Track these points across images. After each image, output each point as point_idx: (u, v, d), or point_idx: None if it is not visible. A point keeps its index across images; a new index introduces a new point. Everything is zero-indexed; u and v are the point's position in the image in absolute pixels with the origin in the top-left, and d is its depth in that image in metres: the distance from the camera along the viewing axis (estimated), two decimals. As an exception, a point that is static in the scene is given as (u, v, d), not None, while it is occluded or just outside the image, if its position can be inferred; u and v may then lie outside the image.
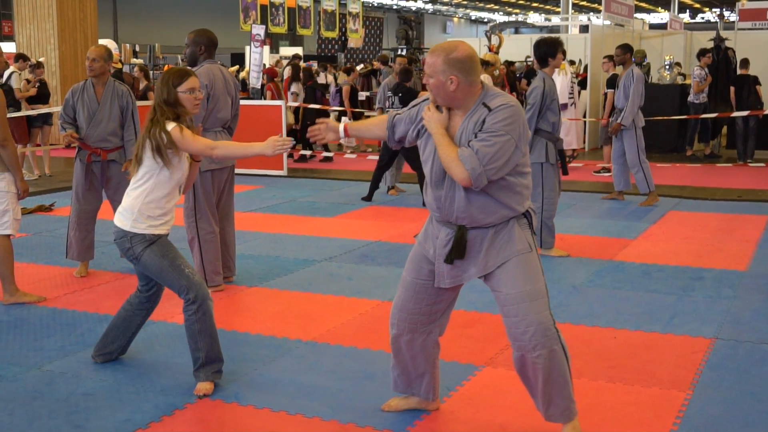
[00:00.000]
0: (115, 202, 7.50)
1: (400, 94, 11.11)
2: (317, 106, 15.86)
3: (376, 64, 19.68)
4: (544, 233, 8.10)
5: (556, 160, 7.95)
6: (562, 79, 14.50)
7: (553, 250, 8.16)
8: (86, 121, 7.33)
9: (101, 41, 18.74)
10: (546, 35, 8.40)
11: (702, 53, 15.80)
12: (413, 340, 4.35)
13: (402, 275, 4.36)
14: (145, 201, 4.80)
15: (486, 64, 15.13)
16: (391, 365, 4.56)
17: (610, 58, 15.52)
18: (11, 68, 14.19)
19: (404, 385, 4.55)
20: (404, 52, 29.80)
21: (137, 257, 4.85)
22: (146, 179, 4.80)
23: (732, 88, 15.43)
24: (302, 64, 23.37)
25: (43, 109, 14.33)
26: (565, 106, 14.34)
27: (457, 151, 3.85)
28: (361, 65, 24.74)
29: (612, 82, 14.56)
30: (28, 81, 14.39)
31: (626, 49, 11.22)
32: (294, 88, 16.91)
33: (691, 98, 15.69)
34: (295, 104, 16.39)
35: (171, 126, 4.72)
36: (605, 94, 15.01)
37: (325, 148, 16.27)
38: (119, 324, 5.26)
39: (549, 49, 7.94)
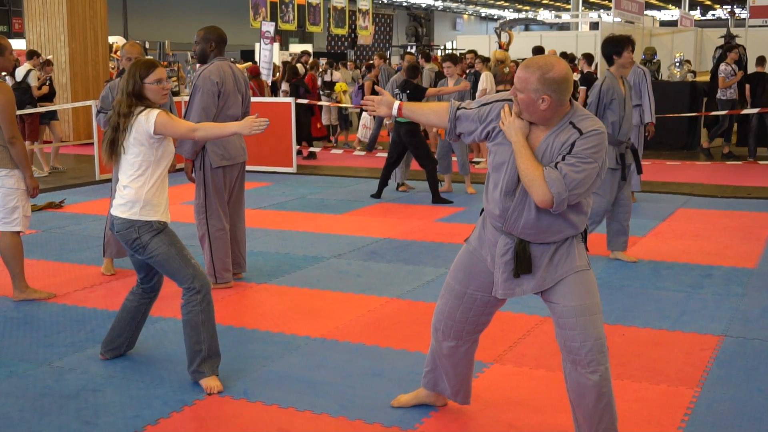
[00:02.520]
0: None
1: (408, 91, 11.11)
2: (304, 101, 15.85)
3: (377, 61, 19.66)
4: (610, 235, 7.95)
5: (617, 163, 7.59)
6: None
7: (620, 254, 7.97)
8: None
9: (111, 38, 18.82)
10: (615, 34, 8.18)
11: (729, 49, 15.61)
12: (458, 347, 4.30)
13: (447, 281, 4.24)
14: (150, 189, 4.85)
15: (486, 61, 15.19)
16: (426, 364, 4.52)
17: (587, 57, 15.63)
18: (27, 66, 14.23)
19: (434, 384, 4.53)
20: (414, 49, 29.81)
21: (144, 246, 4.86)
22: (144, 168, 4.84)
23: (747, 86, 15.36)
24: (311, 60, 23.40)
25: (52, 107, 14.39)
26: None
27: (543, 171, 3.68)
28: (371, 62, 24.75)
29: (585, 81, 14.75)
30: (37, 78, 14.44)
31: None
32: (284, 86, 17.08)
33: (718, 95, 15.52)
34: (285, 100, 16.48)
35: (156, 112, 4.78)
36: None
37: (309, 143, 16.22)
38: (124, 317, 5.30)
39: (615, 48, 7.66)
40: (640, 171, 8.00)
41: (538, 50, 16.82)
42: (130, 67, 4.87)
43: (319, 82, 18.52)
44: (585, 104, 14.61)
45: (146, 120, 4.76)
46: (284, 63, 18.55)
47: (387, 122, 12.57)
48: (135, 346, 5.56)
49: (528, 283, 3.93)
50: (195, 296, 4.87)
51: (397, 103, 4.27)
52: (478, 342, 4.39)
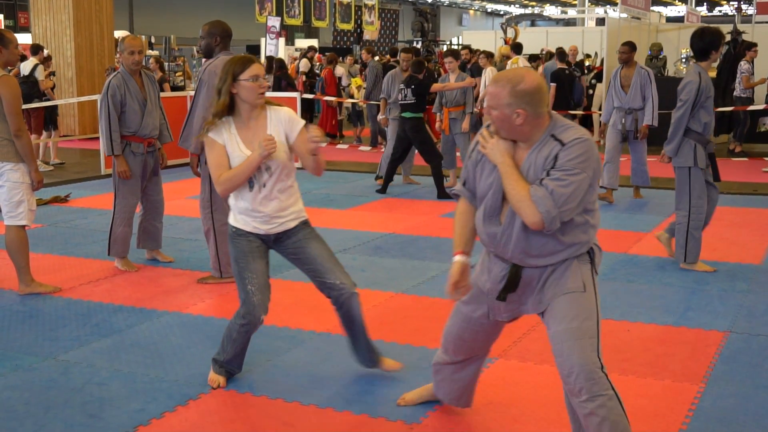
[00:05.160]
0: (149, 191, 7.54)
1: (413, 86, 11.10)
2: (286, 94, 15.84)
3: (366, 56, 19.63)
4: (690, 245, 7.35)
5: (706, 164, 7.30)
6: None
7: (697, 265, 7.42)
8: (139, 112, 7.27)
9: (117, 33, 18.80)
10: (704, 25, 7.89)
11: (748, 47, 15.49)
12: (467, 363, 4.27)
13: (456, 303, 4.10)
14: (234, 193, 4.72)
15: (490, 56, 15.18)
16: (434, 375, 4.43)
17: (559, 53, 15.61)
18: (33, 60, 14.26)
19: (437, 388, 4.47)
20: (420, 45, 29.78)
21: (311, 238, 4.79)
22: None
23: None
24: (317, 56, 23.42)
25: (58, 101, 14.42)
26: None
27: (529, 190, 3.51)
28: (376, 57, 24.72)
29: (555, 77, 14.80)
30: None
31: (633, 47, 11.08)
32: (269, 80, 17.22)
33: (737, 93, 15.34)
34: (291, 95, 16.53)
35: (205, 139, 4.64)
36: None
37: None
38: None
39: (714, 41, 7.20)
40: (717, 178, 7.43)
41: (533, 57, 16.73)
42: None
43: (303, 78, 18.61)
44: (553, 103, 14.63)
45: (204, 141, 4.66)
46: (268, 57, 18.57)
47: (380, 117, 12.56)
48: (140, 340, 5.57)
49: (528, 305, 3.81)
50: (240, 320, 4.75)
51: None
52: (488, 354, 4.33)
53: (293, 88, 16.93)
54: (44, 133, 14.14)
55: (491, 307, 3.92)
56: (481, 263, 3.95)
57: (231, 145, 4.58)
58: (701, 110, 7.19)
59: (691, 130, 7.22)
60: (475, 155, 3.80)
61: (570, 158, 3.49)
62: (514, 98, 3.51)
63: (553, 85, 14.34)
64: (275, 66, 17.26)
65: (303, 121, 4.64)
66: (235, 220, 4.73)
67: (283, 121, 4.62)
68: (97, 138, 13.89)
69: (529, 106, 3.52)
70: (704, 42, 7.23)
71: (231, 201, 4.73)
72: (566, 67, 15.04)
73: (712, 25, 7.89)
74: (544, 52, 19.36)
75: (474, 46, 21.12)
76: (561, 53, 15.45)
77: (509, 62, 14.91)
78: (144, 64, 7.51)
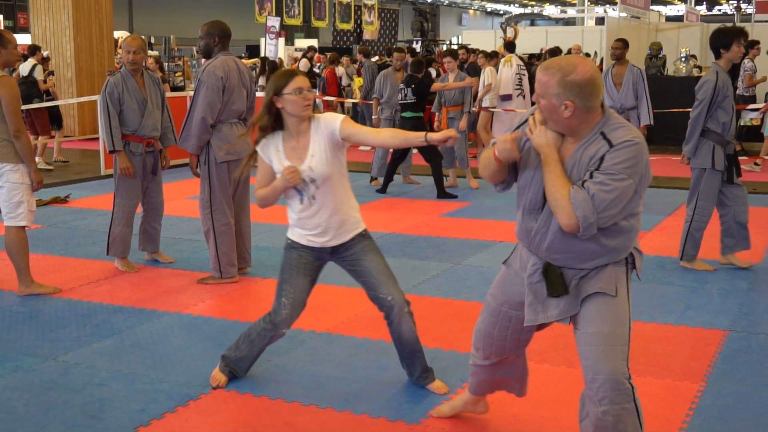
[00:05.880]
0: (149, 193, 7.53)
1: (413, 86, 11.11)
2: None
3: (359, 57, 19.68)
4: (688, 245, 7.39)
5: (724, 166, 7.18)
6: (506, 71, 14.53)
7: (697, 263, 7.44)
8: (138, 112, 7.27)
9: (116, 33, 18.82)
10: (721, 25, 7.81)
11: (751, 45, 15.41)
12: (501, 363, 4.04)
13: (486, 297, 3.97)
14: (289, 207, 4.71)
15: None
16: (471, 375, 4.24)
17: (552, 53, 15.63)
18: (31, 61, 14.27)
19: (486, 391, 4.30)
20: (419, 44, 29.78)
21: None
22: None
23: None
24: (317, 55, 23.43)
25: (58, 101, 14.43)
26: (510, 97, 14.43)
27: (569, 190, 3.29)
28: (376, 57, 24.73)
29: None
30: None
31: (626, 44, 11.04)
32: (261, 81, 17.27)
33: (740, 91, 15.24)
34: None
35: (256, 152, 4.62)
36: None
37: None
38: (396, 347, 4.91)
39: (723, 40, 7.08)
40: (739, 174, 7.35)
41: (555, 52, 16.72)
42: (270, 79, 4.59)
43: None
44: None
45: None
46: (262, 59, 18.61)
47: (374, 117, 12.59)
48: (140, 341, 5.57)
49: (553, 309, 3.55)
50: (264, 324, 4.76)
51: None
52: (525, 355, 4.13)
53: None
54: (57, 133, 14.23)
55: (522, 302, 3.69)
56: (519, 256, 3.75)
57: (276, 161, 4.55)
58: (719, 110, 7.08)
59: (709, 131, 7.14)
60: (525, 137, 3.54)
61: (616, 161, 3.26)
62: (563, 89, 3.29)
63: None
64: (268, 68, 17.29)
65: (341, 116, 4.56)
66: (291, 231, 4.71)
67: (324, 131, 4.52)
68: (97, 138, 13.92)
69: (579, 99, 3.29)
70: (715, 42, 7.17)
71: (287, 212, 4.69)
72: None
73: (728, 25, 7.80)
74: (544, 52, 19.37)
75: (474, 46, 21.14)
76: (553, 52, 15.54)
77: (501, 61, 14.93)
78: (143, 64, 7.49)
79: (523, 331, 3.85)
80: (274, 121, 4.54)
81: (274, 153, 4.55)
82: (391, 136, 4.56)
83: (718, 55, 7.19)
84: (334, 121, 4.51)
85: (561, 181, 3.32)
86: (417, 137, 4.33)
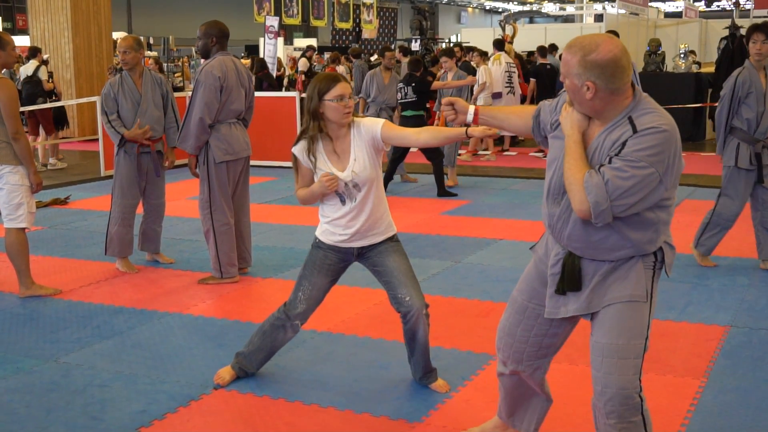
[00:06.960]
0: (149, 194, 7.53)
1: (413, 84, 11.11)
2: (286, 94, 15.86)
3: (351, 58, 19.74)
4: (704, 236, 7.35)
5: (751, 164, 7.03)
6: (496, 69, 14.61)
7: (699, 258, 7.41)
8: (132, 111, 7.29)
9: (115, 34, 18.81)
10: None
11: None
12: (517, 371, 3.80)
13: (512, 293, 3.77)
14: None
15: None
16: (498, 389, 4.07)
17: (540, 49, 15.69)
18: (34, 62, 14.28)
19: (506, 414, 4.04)
20: (418, 43, 29.77)
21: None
22: None
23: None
24: (316, 55, 23.42)
25: (58, 102, 14.44)
26: (499, 95, 14.55)
27: (584, 174, 3.15)
28: (375, 56, 24.73)
29: (535, 73, 15.22)
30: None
31: (617, 36, 11.05)
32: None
33: None
34: (290, 94, 16.55)
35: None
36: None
37: None
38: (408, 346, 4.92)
39: (747, 36, 7.00)
40: (760, 180, 7.09)
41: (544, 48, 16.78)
42: (311, 82, 4.58)
43: (302, 78, 18.62)
44: (533, 96, 14.86)
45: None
46: (252, 57, 18.60)
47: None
48: (141, 342, 5.57)
49: (573, 303, 3.40)
50: (277, 314, 4.81)
51: (472, 108, 3.77)
52: (545, 378, 3.87)
53: (274, 89, 16.91)
54: (59, 133, 14.28)
55: (539, 289, 3.56)
56: (545, 245, 3.59)
57: (320, 163, 4.55)
58: (743, 106, 6.97)
59: (736, 128, 7.06)
60: (558, 115, 3.44)
61: (638, 148, 3.09)
62: (583, 68, 3.14)
63: (533, 80, 14.60)
64: (257, 66, 17.23)
65: (381, 120, 4.57)
66: (320, 230, 4.73)
67: (365, 135, 4.53)
68: (97, 140, 13.91)
69: (600, 80, 3.12)
70: (746, 37, 7.04)
71: (320, 211, 4.72)
72: (549, 63, 15.41)
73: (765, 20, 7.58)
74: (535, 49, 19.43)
75: (473, 44, 21.13)
76: (542, 49, 15.60)
77: (491, 59, 14.98)
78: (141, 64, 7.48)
79: (547, 334, 3.64)
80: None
81: (313, 155, 4.56)
82: (433, 136, 4.55)
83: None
84: (375, 125, 4.53)
85: (578, 165, 3.19)
86: (458, 133, 4.30)
